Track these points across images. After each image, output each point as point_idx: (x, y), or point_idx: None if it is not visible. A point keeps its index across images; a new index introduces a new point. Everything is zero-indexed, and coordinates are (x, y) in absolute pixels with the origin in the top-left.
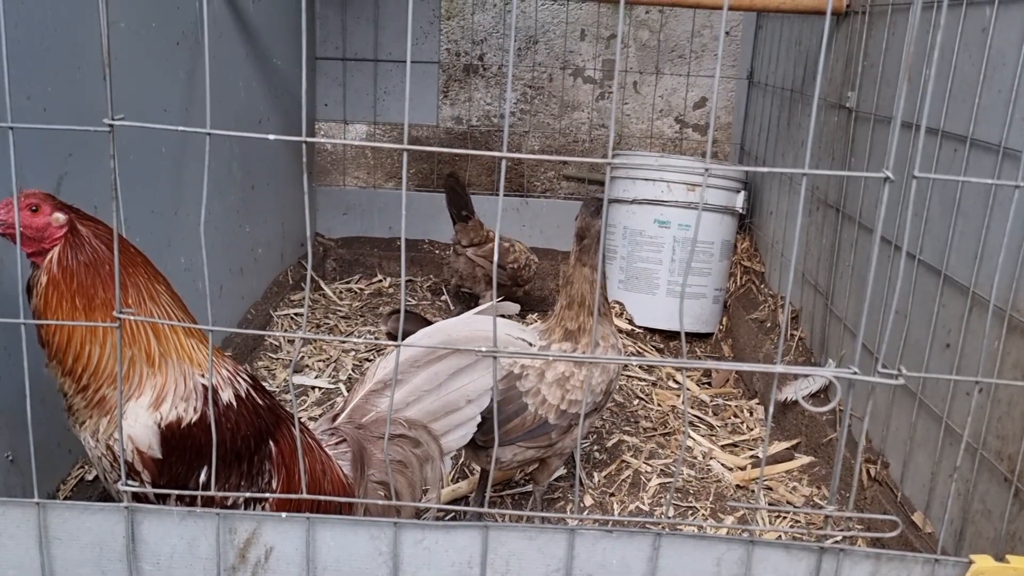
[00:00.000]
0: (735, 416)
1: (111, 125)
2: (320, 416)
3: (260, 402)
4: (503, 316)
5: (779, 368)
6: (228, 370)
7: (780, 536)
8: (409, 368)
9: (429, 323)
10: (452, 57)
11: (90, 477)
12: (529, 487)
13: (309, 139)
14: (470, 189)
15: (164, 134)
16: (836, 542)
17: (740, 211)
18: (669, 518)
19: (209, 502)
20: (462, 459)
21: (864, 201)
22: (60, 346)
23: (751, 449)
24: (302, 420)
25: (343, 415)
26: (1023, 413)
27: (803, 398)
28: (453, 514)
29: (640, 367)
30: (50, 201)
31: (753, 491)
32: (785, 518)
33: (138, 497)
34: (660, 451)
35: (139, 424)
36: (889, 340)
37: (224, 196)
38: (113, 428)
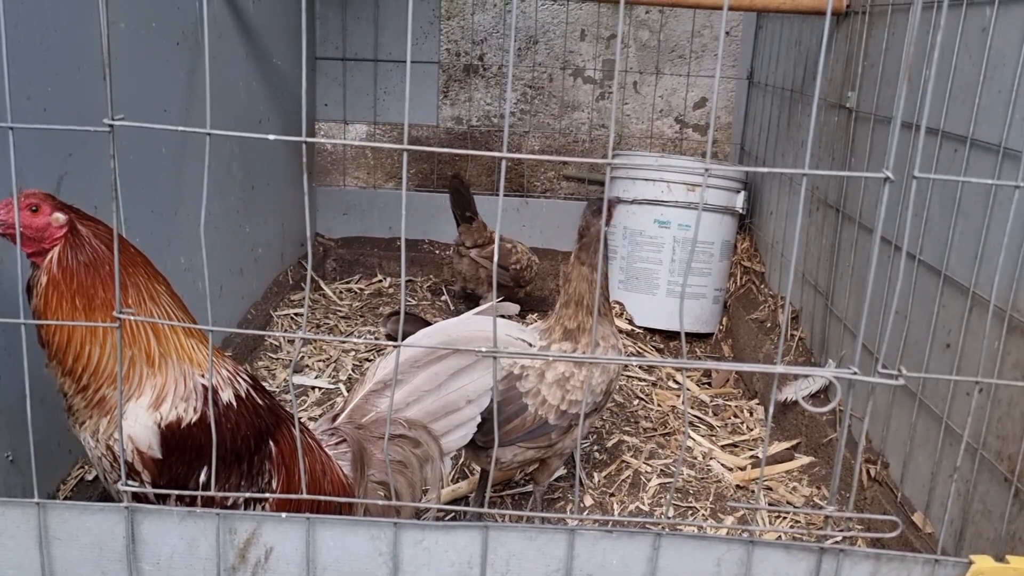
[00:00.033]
0: (735, 416)
1: (111, 125)
2: (320, 416)
3: (260, 402)
4: (503, 316)
5: (779, 368)
6: (228, 370)
7: (780, 536)
8: (409, 368)
9: (429, 324)
10: (452, 57)
11: (90, 477)
12: (529, 487)
13: (309, 139)
14: (470, 189)
15: (164, 134)
16: (836, 542)
17: (740, 211)
18: (669, 518)
19: (209, 502)
20: (462, 459)
21: (864, 201)
22: (60, 346)
23: (751, 449)
24: (302, 420)
25: (343, 415)
26: (1023, 413)
27: (803, 398)
28: (453, 514)
29: (640, 367)
30: (50, 201)
31: (753, 491)
32: (785, 518)
33: (138, 497)
34: (660, 451)
35: (139, 424)
36: (889, 340)
37: (224, 196)
38: (113, 428)
